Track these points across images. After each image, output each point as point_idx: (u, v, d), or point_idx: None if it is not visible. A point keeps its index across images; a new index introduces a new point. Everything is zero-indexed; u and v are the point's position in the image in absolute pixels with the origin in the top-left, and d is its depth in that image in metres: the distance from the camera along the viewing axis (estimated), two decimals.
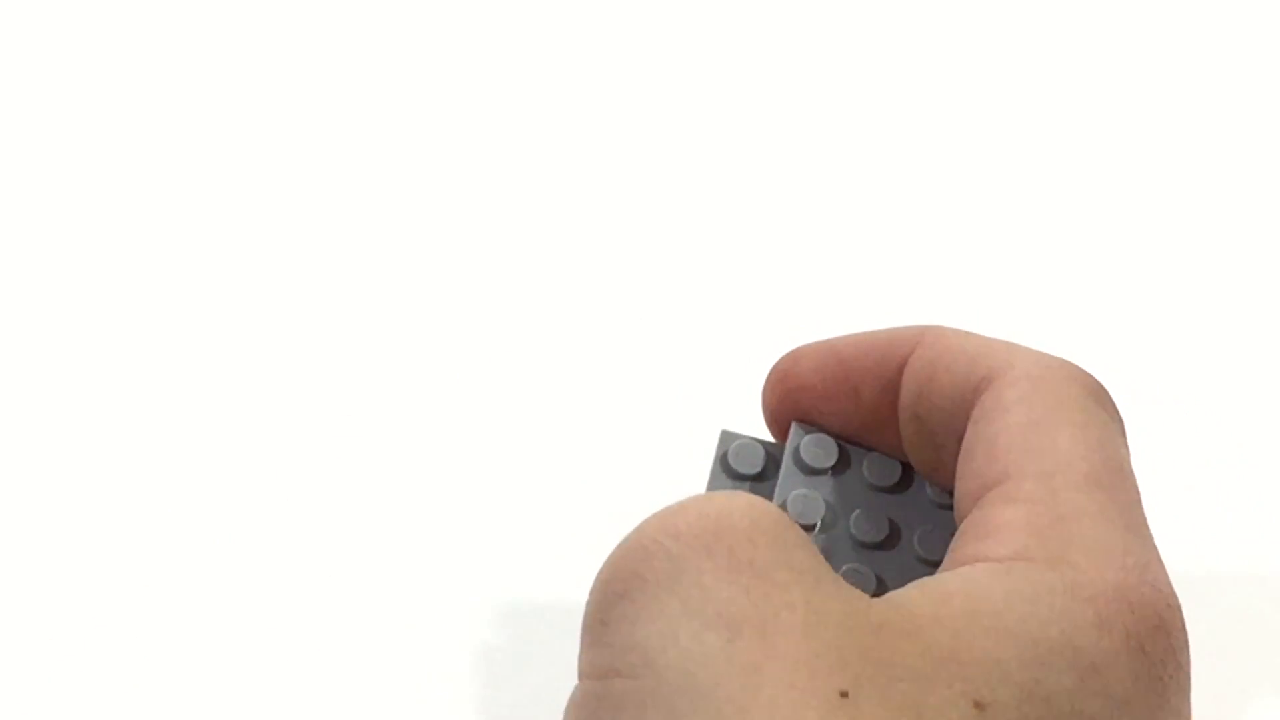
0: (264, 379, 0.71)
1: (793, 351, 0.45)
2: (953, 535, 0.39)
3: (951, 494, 0.40)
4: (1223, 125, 0.81)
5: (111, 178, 0.77)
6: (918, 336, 0.42)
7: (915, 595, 0.36)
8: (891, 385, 0.42)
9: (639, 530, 0.37)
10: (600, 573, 0.37)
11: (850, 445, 0.45)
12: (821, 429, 0.45)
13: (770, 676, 0.33)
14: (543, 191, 0.78)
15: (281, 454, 0.68)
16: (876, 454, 0.44)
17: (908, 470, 0.44)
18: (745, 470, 0.45)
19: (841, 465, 0.44)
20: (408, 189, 0.78)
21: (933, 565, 0.41)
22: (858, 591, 0.36)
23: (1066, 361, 0.39)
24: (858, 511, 0.44)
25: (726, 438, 0.46)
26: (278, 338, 0.72)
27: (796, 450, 0.45)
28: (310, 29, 0.82)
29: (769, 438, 0.47)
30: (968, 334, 0.42)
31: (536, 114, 0.80)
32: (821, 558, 0.36)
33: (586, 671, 0.37)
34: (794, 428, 0.45)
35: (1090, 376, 0.39)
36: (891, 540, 0.43)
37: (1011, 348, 0.40)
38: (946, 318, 0.74)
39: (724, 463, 0.46)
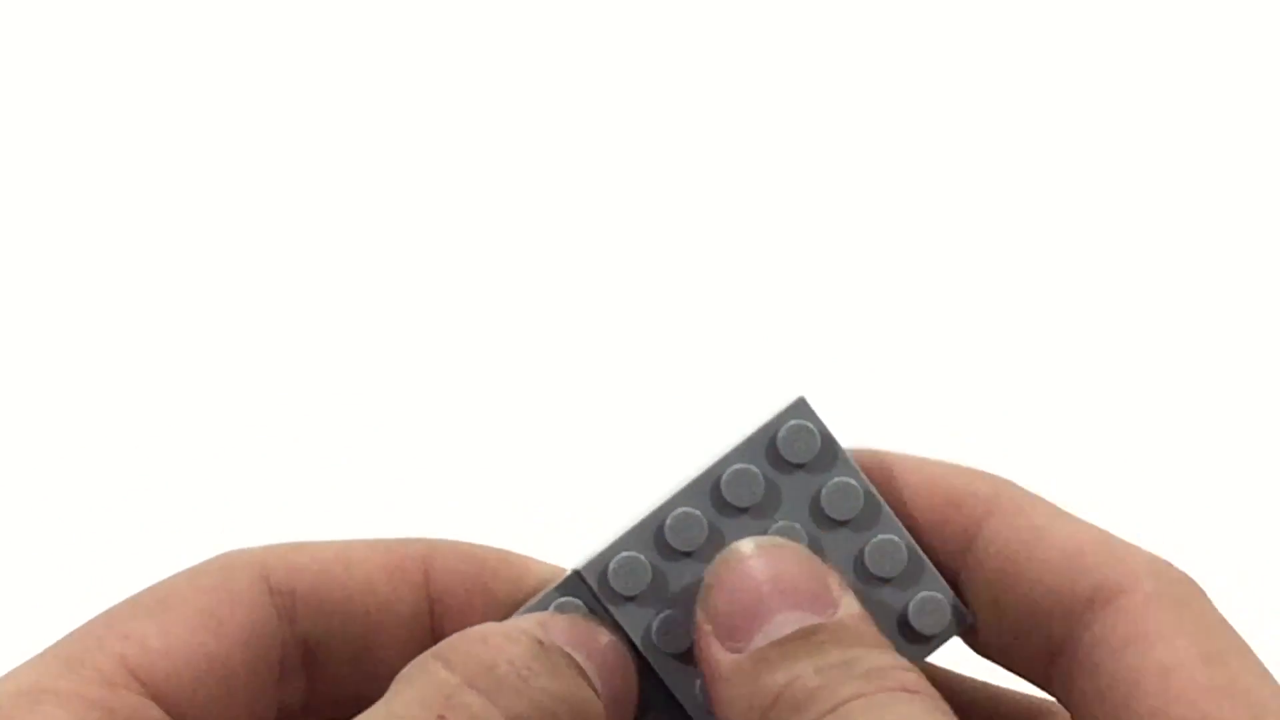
0: (260, 381, 0.71)
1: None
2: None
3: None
4: (1222, 130, 0.81)
5: (113, 179, 0.77)
6: (991, 499, 0.38)
7: None
8: (955, 548, 0.39)
9: None
10: None
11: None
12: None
13: None
14: (542, 194, 0.78)
15: (278, 454, 0.68)
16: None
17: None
18: (798, 459, 0.38)
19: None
20: (407, 190, 0.78)
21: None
22: None
23: (1175, 567, 0.37)
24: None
25: (797, 409, 0.38)
26: (274, 339, 0.72)
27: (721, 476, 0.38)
28: (310, 30, 0.82)
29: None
30: (1051, 511, 0.38)
31: (536, 116, 0.80)
32: None
33: None
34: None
35: (1197, 584, 0.37)
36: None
37: (1109, 549, 0.37)
38: (943, 318, 0.74)
39: (771, 440, 0.38)
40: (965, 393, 0.72)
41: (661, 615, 0.38)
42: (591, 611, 0.38)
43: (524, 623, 0.37)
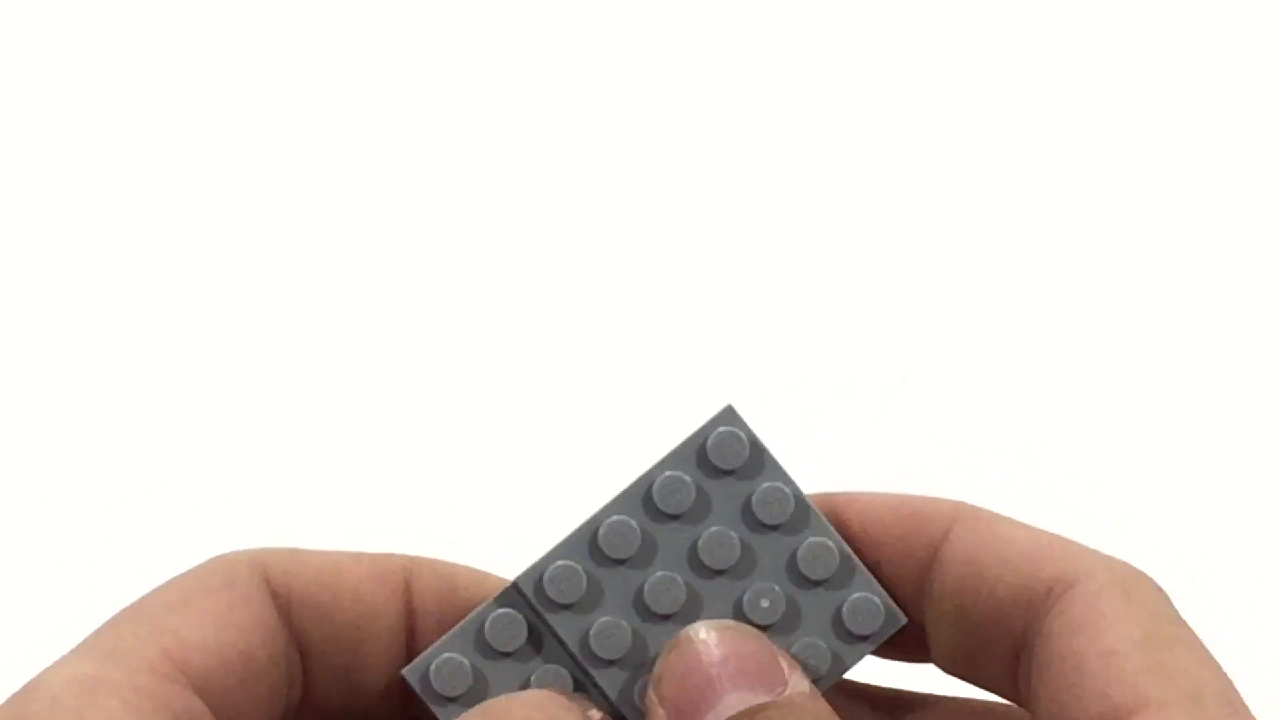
0: (257, 384, 0.71)
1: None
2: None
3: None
4: (1221, 131, 0.80)
5: (112, 181, 0.78)
6: (952, 514, 0.39)
7: None
8: (918, 564, 0.40)
9: None
10: None
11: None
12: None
13: None
14: (541, 194, 0.78)
15: (277, 455, 0.69)
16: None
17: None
18: (727, 466, 0.39)
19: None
20: (407, 191, 0.78)
21: None
22: None
23: (1133, 566, 0.38)
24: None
25: (725, 417, 0.39)
26: (272, 341, 0.72)
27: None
28: (311, 31, 0.82)
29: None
30: (1011, 521, 0.39)
31: (535, 118, 0.80)
32: None
33: None
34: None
35: (1153, 580, 0.39)
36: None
37: (1069, 548, 0.38)
38: (940, 318, 0.74)
39: (702, 450, 0.39)
40: (925, 409, 0.73)
41: (599, 622, 0.39)
42: (529, 622, 0.39)
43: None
